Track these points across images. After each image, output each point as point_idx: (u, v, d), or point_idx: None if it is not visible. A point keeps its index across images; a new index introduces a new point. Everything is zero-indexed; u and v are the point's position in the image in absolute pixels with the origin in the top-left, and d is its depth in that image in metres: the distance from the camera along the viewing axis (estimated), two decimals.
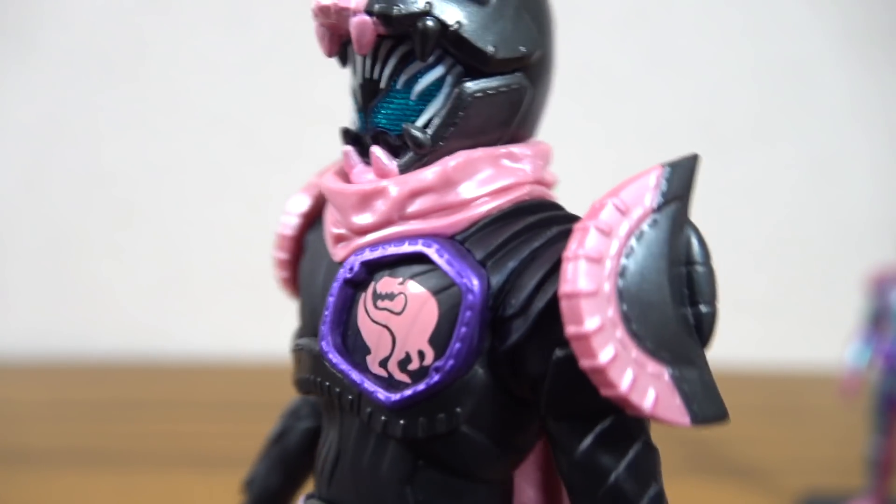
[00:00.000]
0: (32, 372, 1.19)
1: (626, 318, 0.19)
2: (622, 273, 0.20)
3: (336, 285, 0.25)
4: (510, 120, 0.24)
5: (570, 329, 0.19)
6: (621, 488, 0.20)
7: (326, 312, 0.25)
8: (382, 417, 0.23)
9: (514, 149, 0.25)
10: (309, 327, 0.28)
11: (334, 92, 1.28)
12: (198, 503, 0.69)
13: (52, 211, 1.29)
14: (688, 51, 1.27)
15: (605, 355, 0.19)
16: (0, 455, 0.82)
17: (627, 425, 0.21)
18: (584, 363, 0.19)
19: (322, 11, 0.25)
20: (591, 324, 0.19)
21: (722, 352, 1.34)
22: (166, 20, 1.27)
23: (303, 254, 0.31)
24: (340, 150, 0.27)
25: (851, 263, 1.19)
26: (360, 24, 0.23)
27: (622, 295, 0.19)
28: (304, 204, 0.32)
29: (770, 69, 1.28)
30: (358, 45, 0.25)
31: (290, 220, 0.31)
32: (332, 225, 0.27)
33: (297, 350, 0.27)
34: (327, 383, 0.25)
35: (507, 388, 0.22)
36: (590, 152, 1.20)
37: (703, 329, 0.22)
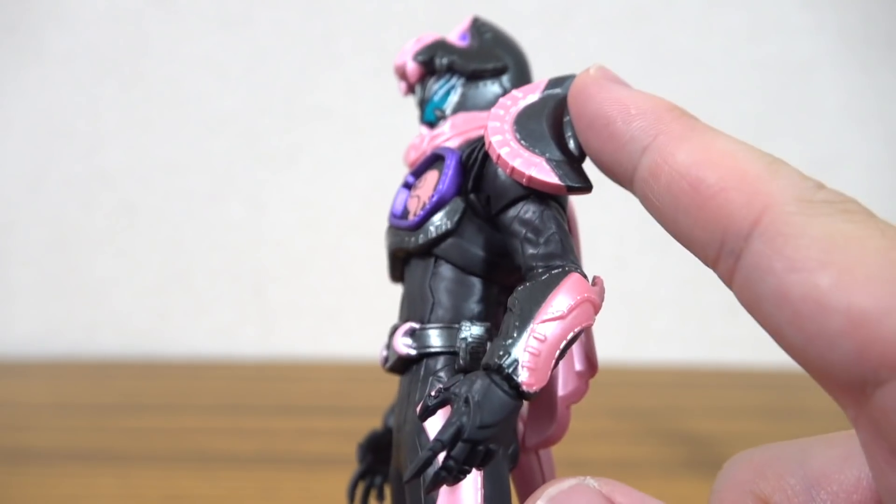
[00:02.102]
0: (34, 371, 1.19)
1: (516, 134, 0.31)
2: (516, 117, 0.32)
3: (398, 190, 0.38)
4: (492, 103, 0.38)
5: (492, 152, 0.31)
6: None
7: (392, 207, 0.38)
8: (411, 239, 0.35)
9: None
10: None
11: (334, 92, 1.29)
12: (199, 502, 0.69)
13: (53, 211, 1.30)
14: (687, 51, 1.27)
15: (503, 152, 0.31)
16: (2, 454, 0.82)
17: (539, 196, 0.32)
18: (499, 163, 0.31)
19: (396, 70, 0.40)
20: (496, 142, 0.31)
21: (722, 352, 1.35)
22: (168, 20, 1.27)
23: None
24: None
25: None
26: (413, 69, 0.39)
27: (515, 126, 0.32)
28: None
29: (768, 70, 1.28)
30: (414, 81, 0.39)
31: None
32: (407, 162, 0.39)
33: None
34: (387, 245, 0.38)
35: (476, 211, 0.34)
36: None
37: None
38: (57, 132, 1.29)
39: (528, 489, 0.37)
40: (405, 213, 0.36)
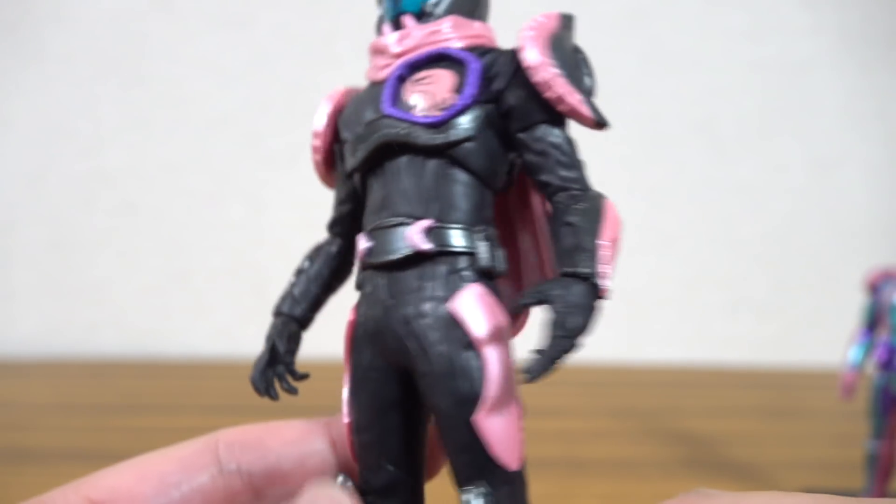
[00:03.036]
0: (34, 371, 1.19)
1: (554, 61, 0.33)
2: (551, 44, 0.33)
3: (389, 81, 0.36)
4: (475, 7, 0.38)
5: (542, 73, 0.33)
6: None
7: (384, 96, 0.35)
8: (426, 136, 0.34)
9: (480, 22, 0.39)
10: (361, 122, 0.37)
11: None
12: None
13: (53, 210, 1.30)
14: (687, 51, 1.27)
15: (551, 76, 0.33)
16: (4, 454, 0.82)
17: (560, 122, 0.34)
18: (545, 85, 0.33)
19: None
20: (537, 59, 0.33)
21: (722, 352, 1.34)
22: (168, 20, 1.27)
23: (336, 135, 0.40)
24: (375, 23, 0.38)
25: (850, 263, 1.20)
26: None
27: (552, 52, 0.33)
28: (327, 106, 0.40)
29: (768, 71, 1.28)
30: None
31: (321, 115, 0.39)
32: (374, 69, 0.37)
33: (365, 126, 0.36)
34: (382, 135, 0.35)
35: (491, 121, 0.34)
36: (590, 151, 1.20)
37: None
38: (57, 132, 1.29)
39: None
40: (409, 108, 0.35)
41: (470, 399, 0.31)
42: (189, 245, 1.30)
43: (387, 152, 0.35)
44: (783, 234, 1.30)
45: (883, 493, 0.66)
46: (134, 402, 1.03)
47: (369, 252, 0.35)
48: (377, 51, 0.37)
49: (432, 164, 0.34)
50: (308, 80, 1.27)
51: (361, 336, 0.37)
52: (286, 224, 1.29)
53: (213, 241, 1.30)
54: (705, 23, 1.27)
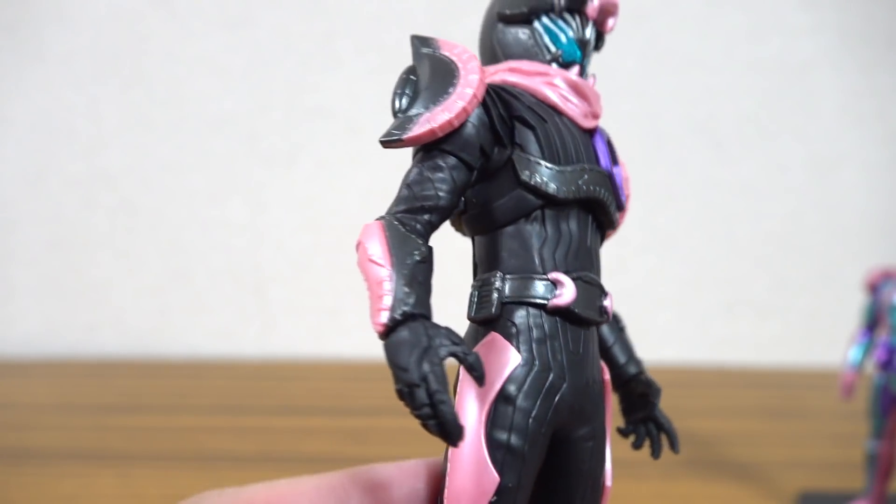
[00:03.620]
0: (34, 371, 1.19)
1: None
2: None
3: (601, 140, 0.37)
4: None
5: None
6: None
7: (601, 156, 0.36)
8: (614, 215, 0.36)
9: None
10: (562, 156, 0.35)
11: (334, 92, 1.29)
12: None
13: (53, 210, 1.30)
14: (687, 51, 1.27)
15: None
16: (3, 453, 0.82)
17: None
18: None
19: (613, 7, 0.38)
20: None
21: (722, 352, 1.34)
22: (168, 21, 1.27)
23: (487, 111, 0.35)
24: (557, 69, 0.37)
25: (850, 263, 1.20)
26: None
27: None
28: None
29: (769, 70, 1.28)
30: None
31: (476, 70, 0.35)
32: (577, 110, 0.36)
33: (581, 170, 0.35)
34: (597, 192, 0.35)
35: None
36: None
37: None
38: (57, 132, 1.29)
39: None
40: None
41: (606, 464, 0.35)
42: (189, 245, 1.30)
43: (585, 205, 0.35)
44: (783, 234, 1.30)
45: (883, 493, 0.66)
46: (134, 402, 1.03)
47: (576, 301, 0.33)
48: (580, 93, 0.36)
49: (586, 221, 0.35)
50: (308, 80, 1.27)
51: (538, 383, 0.32)
52: (286, 224, 1.30)
53: (213, 241, 1.30)
54: (705, 23, 1.27)
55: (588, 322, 0.33)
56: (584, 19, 0.38)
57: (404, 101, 0.34)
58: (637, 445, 0.40)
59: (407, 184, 0.33)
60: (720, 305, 1.30)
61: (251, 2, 1.27)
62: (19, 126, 1.29)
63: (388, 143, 0.34)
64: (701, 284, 1.30)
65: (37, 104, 1.28)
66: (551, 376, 0.32)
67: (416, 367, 0.28)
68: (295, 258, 1.29)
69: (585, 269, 0.34)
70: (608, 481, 0.35)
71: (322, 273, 1.28)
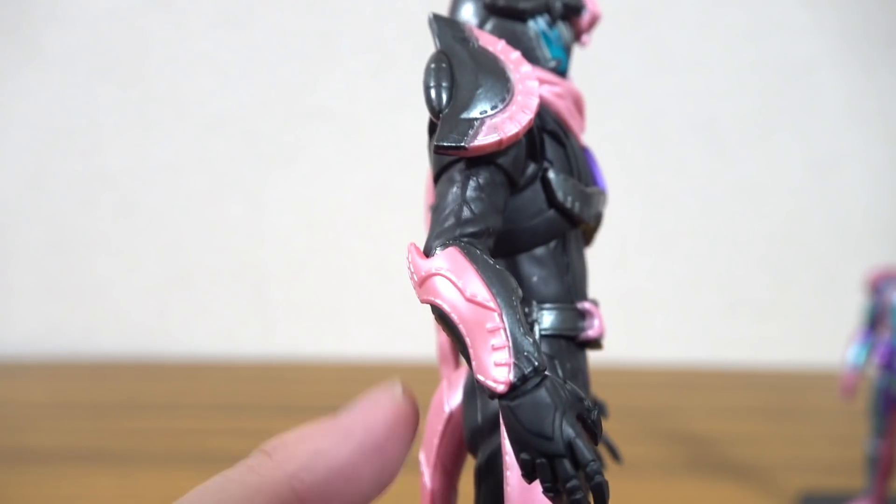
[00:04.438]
0: (34, 371, 1.19)
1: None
2: None
3: (596, 165, 0.35)
4: None
5: None
6: None
7: (597, 175, 0.35)
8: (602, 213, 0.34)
9: None
10: (583, 176, 0.34)
11: (334, 92, 1.29)
12: None
13: (53, 210, 1.30)
14: (688, 51, 1.27)
15: None
16: (2, 454, 0.82)
17: None
18: None
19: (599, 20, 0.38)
20: None
21: (722, 352, 1.34)
22: (167, 20, 1.27)
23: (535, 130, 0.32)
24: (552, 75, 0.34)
25: (850, 263, 1.20)
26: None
27: None
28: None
29: (769, 70, 1.28)
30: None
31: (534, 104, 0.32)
32: (573, 120, 0.34)
33: (596, 192, 0.34)
34: (600, 214, 0.34)
35: None
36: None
37: None
38: (57, 132, 1.29)
39: None
40: None
41: None
42: (189, 245, 1.30)
43: (577, 231, 0.33)
44: (783, 234, 1.30)
45: (883, 494, 0.66)
46: (134, 402, 1.03)
47: (600, 331, 0.32)
48: (580, 109, 0.34)
49: (580, 244, 0.33)
50: (308, 80, 1.27)
51: None
52: (286, 224, 1.29)
53: (213, 241, 1.30)
54: (705, 23, 1.27)
55: (586, 346, 0.32)
56: (570, 28, 0.36)
57: (444, 94, 0.29)
58: None
59: (463, 201, 0.28)
60: (720, 305, 1.30)
61: (251, 1, 1.27)
62: (19, 126, 1.29)
63: (449, 149, 0.28)
64: (701, 284, 1.30)
65: (36, 104, 1.28)
66: None
67: (562, 434, 0.23)
68: (295, 258, 1.29)
69: (586, 295, 0.33)
70: None
71: (322, 273, 1.28)
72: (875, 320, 0.67)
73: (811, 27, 1.27)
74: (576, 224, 0.32)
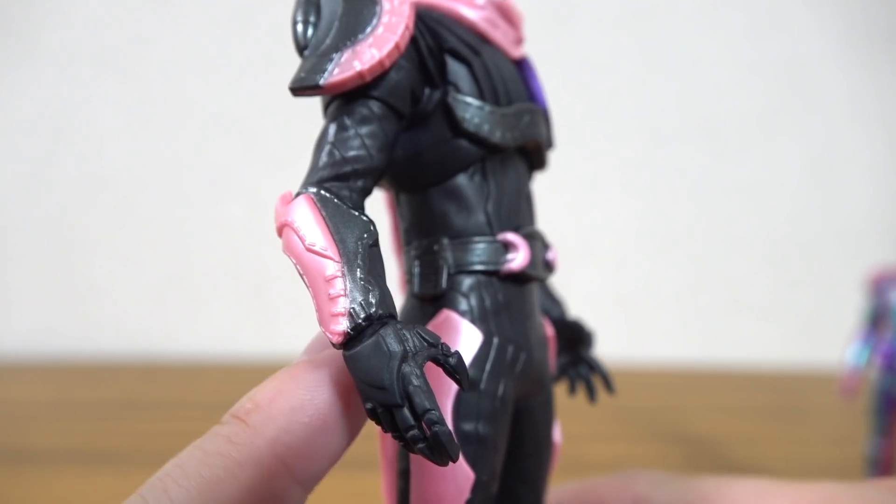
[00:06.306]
0: (33, 371, 1.19)
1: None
2: None
3: (534, 77, 0.32)
4: None
5: None
6: None
7: (537, 89, 0.31)
8: (547, 153, 0.31)
9: None
10: (502, 95, 0.30)
11: None
12: None
13: (52, 211, 1.30)
14: (688, 50, 1.27)
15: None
16: (2, 454, 0.82)
17: None
18: None
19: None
20: None
21: (722, 352, 1.34)
22: (167, 20, 1.27)
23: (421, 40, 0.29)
24: None
25: (851, 263, 1.20)
26: None
27: None
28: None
29: (770, 70, 1.28)
30: None
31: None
32: (504, 37, 0.31)
33: (521, 111, 0.29)
34: (537, 134, 0.30)
35: None
36: (591, 150, 1.20)
37: None
38: (56, 132, 1.29)
39: None
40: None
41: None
42: (189, 245, 1.30)
43: (522, 149, 0.30)
44: (783, 234, 1.30)
45: None
46: (133, 402, 1.03)
47: (532, 263, 0.29)
48: (508, 18, 0.31)
49: (522, 170, 0.30)
50: None
51: (501, 360, 0.28)
52: None
53: (213, 241, 1.29)
54: (705, 23, 1.27)
55: (527, 280, 0.30)
56: None
57: (309, 31, 0.28)
58: (573, 390, 0.37)
59: (329, 143, 0.27)
60: (720, 305, 1.30)
61: (251, 1, 1.27)
62: (18, 126, 1.29)
63: (301, 90, 0.27)
64: (701, 284, 1.30)
65: (36, 104, 1.28)
66: (511, 349, 0.29)
67: (397, 383, 0.22)
68: None
69: (527, 223, 0.30)
70: (557, 437, 0.33)
71: None
72: (875, 320, 0.67)
73: (812, 27, 1.27)
74: (495, 150, 0.29)
